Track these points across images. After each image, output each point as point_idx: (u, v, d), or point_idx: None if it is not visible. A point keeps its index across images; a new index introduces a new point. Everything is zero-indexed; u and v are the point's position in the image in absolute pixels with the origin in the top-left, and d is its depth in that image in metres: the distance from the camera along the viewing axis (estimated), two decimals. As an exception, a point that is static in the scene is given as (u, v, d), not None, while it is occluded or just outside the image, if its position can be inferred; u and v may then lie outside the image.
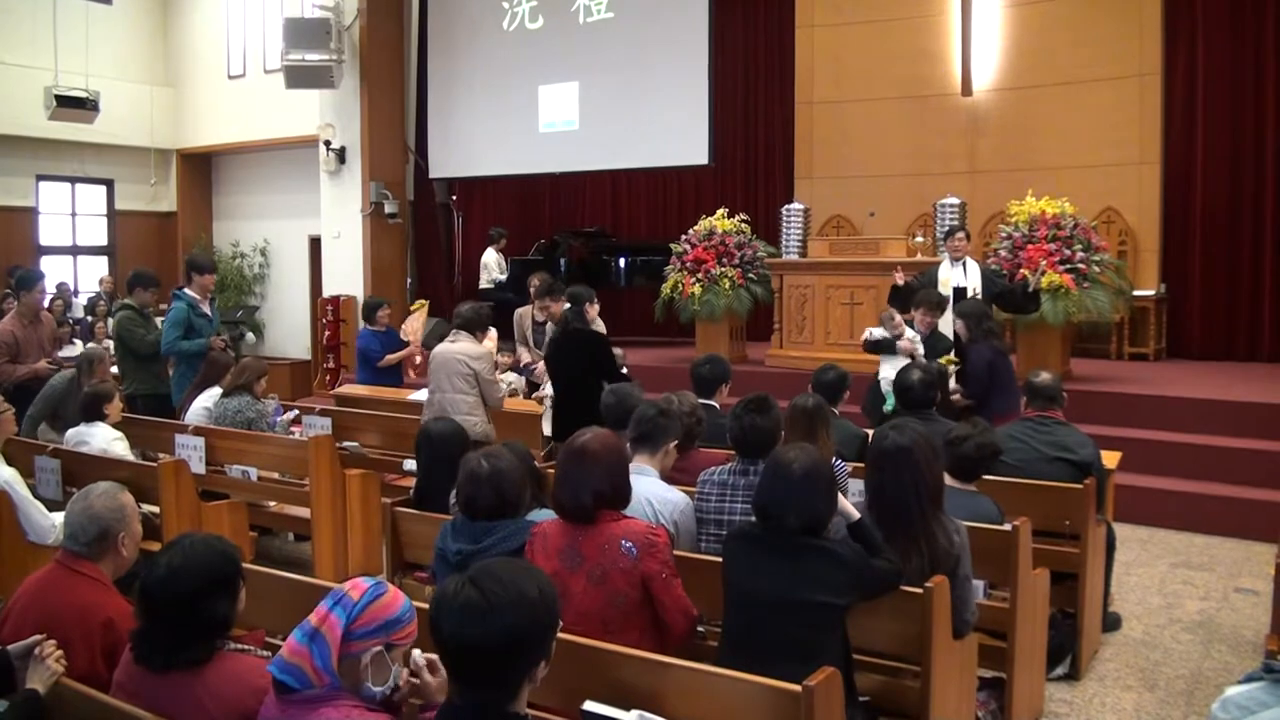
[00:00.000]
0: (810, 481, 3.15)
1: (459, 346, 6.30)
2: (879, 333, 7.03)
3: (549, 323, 7.14)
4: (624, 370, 6.61)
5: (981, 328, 6.57)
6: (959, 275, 7.66)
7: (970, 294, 7.46)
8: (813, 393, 5.35)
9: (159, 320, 7.66)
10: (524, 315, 7.09)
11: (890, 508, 3.48)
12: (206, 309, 7.51)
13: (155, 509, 5.22)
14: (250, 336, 7.91)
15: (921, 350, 6.78)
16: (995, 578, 4.03)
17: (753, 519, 3.27)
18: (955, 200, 9.58)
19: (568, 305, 6.60)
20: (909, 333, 6.89)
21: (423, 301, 9.34)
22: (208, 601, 2.61)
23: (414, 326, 8.88)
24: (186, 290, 7.44)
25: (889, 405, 6.56)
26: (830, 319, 9.75)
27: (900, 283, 7.77)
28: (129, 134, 14.92)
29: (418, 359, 8.82)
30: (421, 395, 8.07)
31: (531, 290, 7.73)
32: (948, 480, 4.01)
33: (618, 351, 6.72)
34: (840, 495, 3.33)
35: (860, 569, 3.16)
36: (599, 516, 3.30)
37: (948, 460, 4.14)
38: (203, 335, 7.36)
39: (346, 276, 13.40)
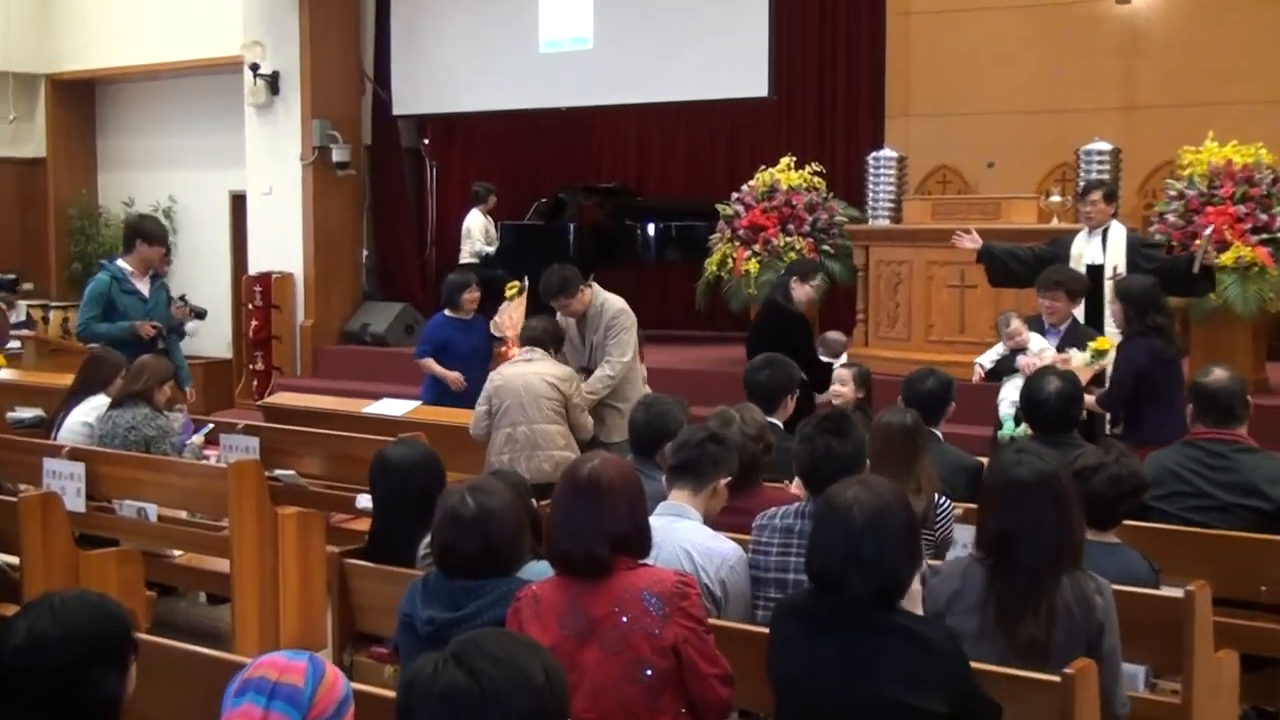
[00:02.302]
0: (879, 530, 3.12)
1: (539, 367, 6.78)
2: (995, 354, 7.05)
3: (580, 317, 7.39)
4: (831, 363, 7.15)
5: (1146, 319, 6.51)
6: (1095, 249, 7.65)
7: (1112, 274, 7.45)
8: (904, 404, 5.36)
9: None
10: (567, 325, 7.40)
11: (1013, 562, 3.45)
12: (141, 286, 7.76)
13: (13, 560, 5.23)
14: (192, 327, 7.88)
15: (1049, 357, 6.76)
16: (1159, 662, 3.99)
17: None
18: (1105, 146, 9.56)
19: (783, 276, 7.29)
20: (1035, 342, 6.90)
21: (519, 285, 9.24)
22: (87, 678, 2.59)
23: (513, 319, 8.84)
24: (119, 261, 7.75)
25: (1006, 430, 6.61)
26: (933, 307, 9.76)
27: (968, 245, 7.85)
28: (-22, 53, 15.02)
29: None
30: (384, 408, 8.11)
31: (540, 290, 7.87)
32: None
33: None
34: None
35: (955, 664, 3.12)
36: (614, 567, 3.34)
37: None
38: (129, 317, 7.51)
39: (280, 247, 13.43)
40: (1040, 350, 6.85)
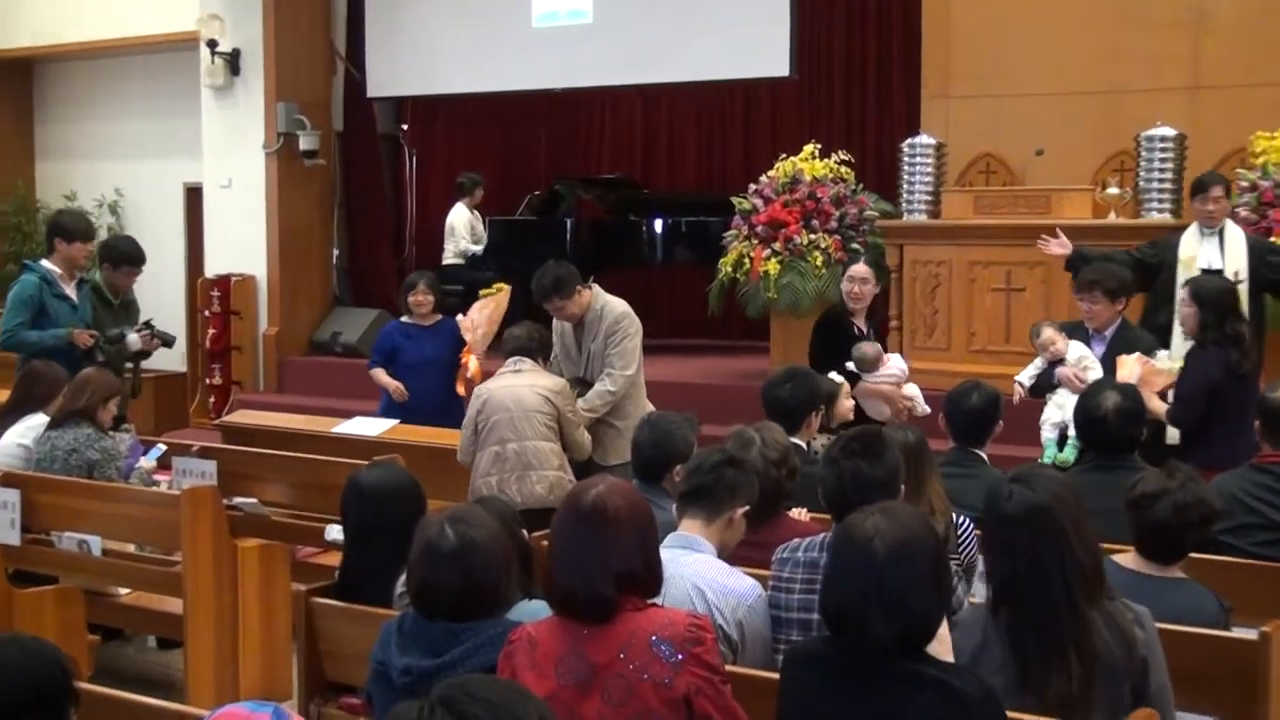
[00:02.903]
0: (904, 563, 3.10)
1: (529, 378, 6.82)
2: (1034, 369, 7.10)
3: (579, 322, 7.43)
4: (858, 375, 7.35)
5: (1224, 326, 6.57)
6: (1212, 250, 7.66)
7: (1234, 279, 7.42)
8: (946, 423, 5.37)
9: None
10: (563, 330, 7.41)
11: (1025, 605, 3.43)
12: (69, 290, 7.79)
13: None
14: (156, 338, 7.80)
15: (1093, 371, 6.80)
16: (1230, 712, 3.99)
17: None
18: (1169, 131, 9.58)
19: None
20: (1073, 350, 6.93)
21: (502, 286, 9.30)
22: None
23: (475, 321, 8.73)
24: (44, 262, 7.77)
25: (1048, 455, 6.68)
26: (975, 313, 9.77)
27: (1056, 250, 7.87)
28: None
29: (471, 369, 8.72)
30: (357, 428, 8.12)
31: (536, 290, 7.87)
32: (1133, 563, 4.13)
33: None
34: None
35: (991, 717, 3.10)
36: (620, 608, 3.34)
37: (1133, 530, 4.18)
38: (60, 325, 7.53)
39: (241, 246, 13.42)
40: (1079, 359, 6.88)
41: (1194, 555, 4.38)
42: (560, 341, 7.50)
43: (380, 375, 8.75)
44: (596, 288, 7.35)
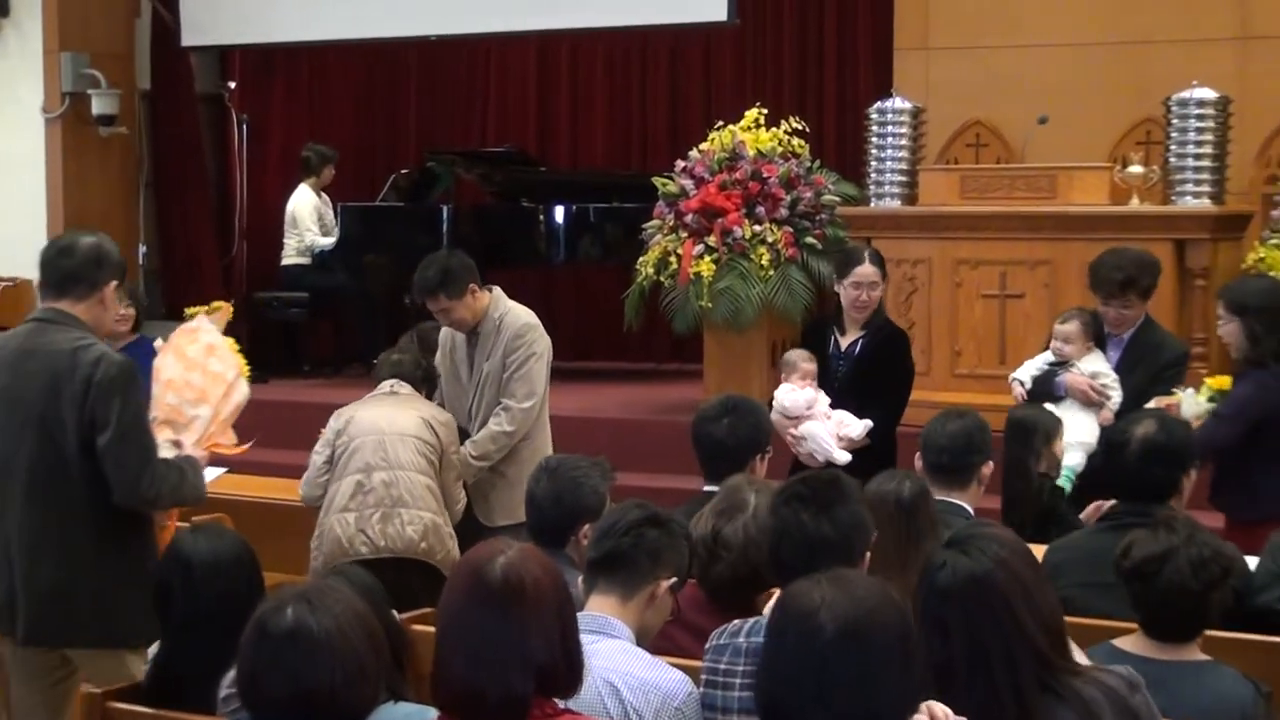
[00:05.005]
0: (858, 645, 3.08)
1: (411, 403, 6.97)
2: (1036, 365, 7.24)
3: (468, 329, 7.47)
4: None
5: (1279, 336, 6.69)
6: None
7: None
8: (919, 470, 5.48)
9: None
10: (453, 343, 7.43)
11: (964, 696, 3.39)
12: None
13: None
14: None
15: (1115, 395, 6.93)
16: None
17: None
18: (1209, 94, 9.69)
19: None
20: (1090, 362, 7.06)
21: (222, 305, 9.23)
22: None
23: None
24: None
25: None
26: (961, 326, 9.90)
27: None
28: None
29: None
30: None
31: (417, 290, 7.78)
32: (1140, 647, 4.17)
33: None
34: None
35: None
36: (532, 712, 3.34)
37: (1138, 606, 4.25)
38: None
39: (13, 240, 13.16)
40: (1095, 374, 6.99)
41: (1240, 635, 4.54)
42: (449, 358, 7.51)
43: None
44: (498, 292, 7.40)
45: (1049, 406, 6.89)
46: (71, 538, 5.17)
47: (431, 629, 4.32)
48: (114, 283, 5.63)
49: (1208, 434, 6.51)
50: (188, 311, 8.37)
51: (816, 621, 3.07)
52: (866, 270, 7.53)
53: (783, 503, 4.12)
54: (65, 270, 5.50)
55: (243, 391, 6.01)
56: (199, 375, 5.98)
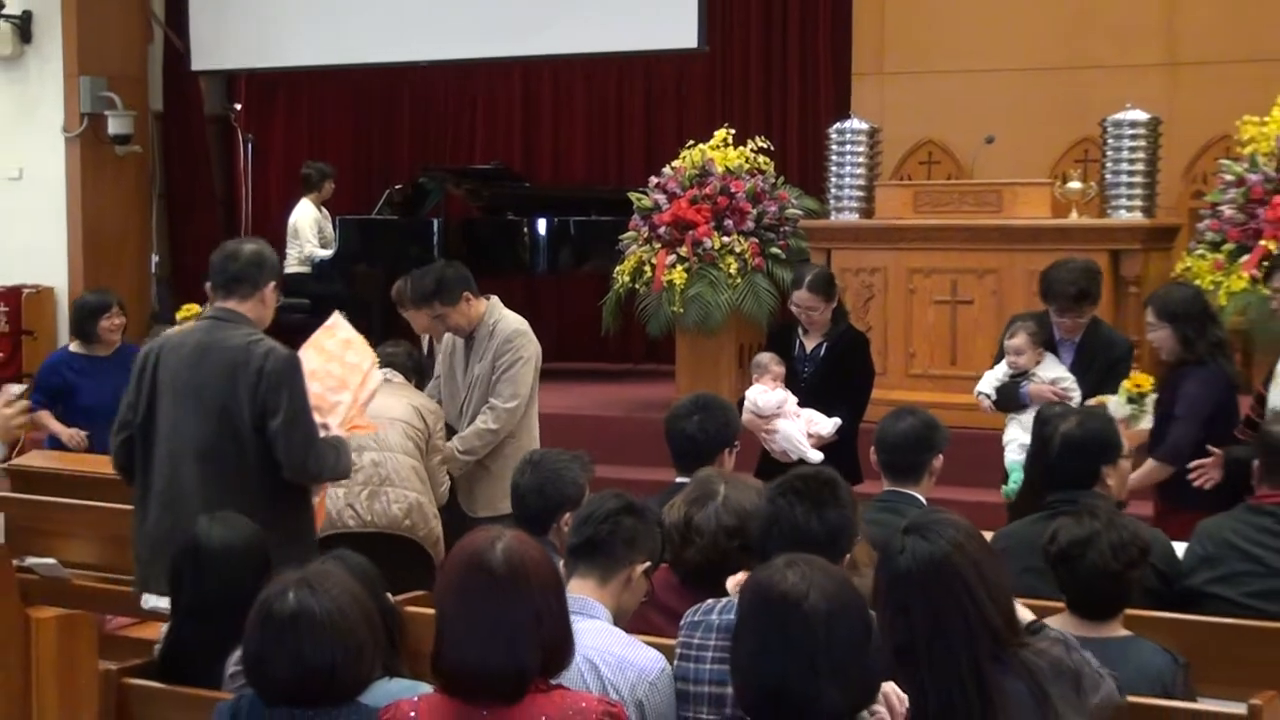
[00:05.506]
0: (845, 626, 3.25)
1: (401, 391, 7.14)
2: (997, 376, 7.44)
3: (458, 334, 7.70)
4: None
5: (1208, 335, 6.96)
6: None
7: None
8: (875, 454, 5.80)
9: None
10: (454, 346, 7.67)
11: (925, 672, 3.50)
12: None
13: None
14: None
15: (1075, 395, 7.11)
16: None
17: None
18: (1140, 115, 9.89)
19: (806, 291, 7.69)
20: (1047, 369, 7.30)
21: (195, 307, 9.12)
22: None
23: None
24: None
25: (1014, 482, 7.00)
26: (915, 330, 10.15)
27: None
28: None
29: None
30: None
31: (396, 295, 8.19)
32: (1068, 625, 4.24)
33: None
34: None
35: None
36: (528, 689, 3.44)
37: (1065, 588, 4.43)
38: None
39: (36, 251, 13.42)
40: (1055, 380, 7.19)
41: (1168, 615, 4.76)
42: (448, 360, 7.68)
43: (47, 421, 8.75)
44: (495, 300, 7.62)
45: (1019, 416, 7.15)
46: (244, 506, 5.16)
47: (423, 609, 4.72)
48: (272, 283, 5.98)
49: (1173, 442, 6.81)
50: (179, 315, 8.99)
51: (810, 604, 3.22)
52: (803, 295, 7.71)
53: (779, 494, 4.15)
54: (231, 274, 5.82)
55: (376, 378, 6.34)
56: (338, 366, 6.20)
